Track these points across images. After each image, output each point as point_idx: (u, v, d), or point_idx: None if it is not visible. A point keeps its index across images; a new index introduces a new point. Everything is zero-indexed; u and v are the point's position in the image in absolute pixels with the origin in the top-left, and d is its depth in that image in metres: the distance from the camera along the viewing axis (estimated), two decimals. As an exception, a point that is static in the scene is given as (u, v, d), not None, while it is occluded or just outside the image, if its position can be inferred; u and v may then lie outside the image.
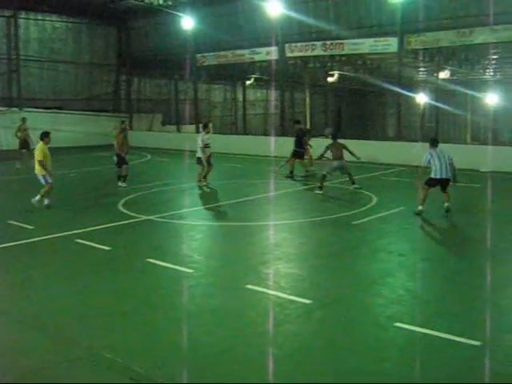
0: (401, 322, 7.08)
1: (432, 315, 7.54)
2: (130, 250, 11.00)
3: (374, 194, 16.14)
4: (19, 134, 22.71)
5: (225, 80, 42.06)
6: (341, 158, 16.94)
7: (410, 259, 10.22)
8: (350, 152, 17.13)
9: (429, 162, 13.38)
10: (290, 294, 8.12)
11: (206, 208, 15.26)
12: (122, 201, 15.56)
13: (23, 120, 23.13)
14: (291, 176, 20.02)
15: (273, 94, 38.64)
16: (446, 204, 13.45)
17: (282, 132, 30.90)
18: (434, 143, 13.68)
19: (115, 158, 18.09)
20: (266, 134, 37.69)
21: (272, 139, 27.59)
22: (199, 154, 17.55)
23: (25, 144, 22.47)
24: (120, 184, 17.90)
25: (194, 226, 13.07)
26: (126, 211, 14.25)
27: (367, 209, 14.47)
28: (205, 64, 33.48)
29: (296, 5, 28.61)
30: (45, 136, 14.57)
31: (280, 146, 25.04)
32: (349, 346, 6.62)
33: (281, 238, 11.79)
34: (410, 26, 25.28)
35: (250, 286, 8.45)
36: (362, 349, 6.51)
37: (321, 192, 16.52)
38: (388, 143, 28.92)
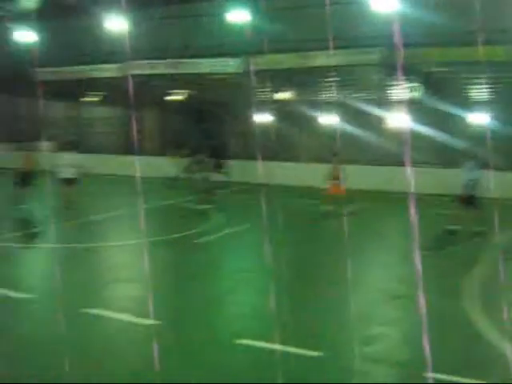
0: (244, 337, 7.08)
1: (274, 330, 7.60)
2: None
3: (220, 212, 16.12)
4: None
5: (66, 96, 40.51)
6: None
7: (254, 276, 10.32)
8: None
9: None
10: (135, 316, 7.87)
11: (41, 230, 14.23)
12: None
13: None
14: None
15: (118, 112, 37.80)
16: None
17: (127, 150, 30.28)
18: None
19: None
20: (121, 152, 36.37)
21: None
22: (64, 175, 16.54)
23: None
24: None
25: (26, 248, 12.28)
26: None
27: (212, 227, 14.44)
28: (44, 79, 32.05)
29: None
30: None
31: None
32: (192, 364, 6.52)
33: (122, 259, 11.39)
34: (254, 47, 25.96)
35: (92, 310, 8.09)
36: (206, 367, 6.44)
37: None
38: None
